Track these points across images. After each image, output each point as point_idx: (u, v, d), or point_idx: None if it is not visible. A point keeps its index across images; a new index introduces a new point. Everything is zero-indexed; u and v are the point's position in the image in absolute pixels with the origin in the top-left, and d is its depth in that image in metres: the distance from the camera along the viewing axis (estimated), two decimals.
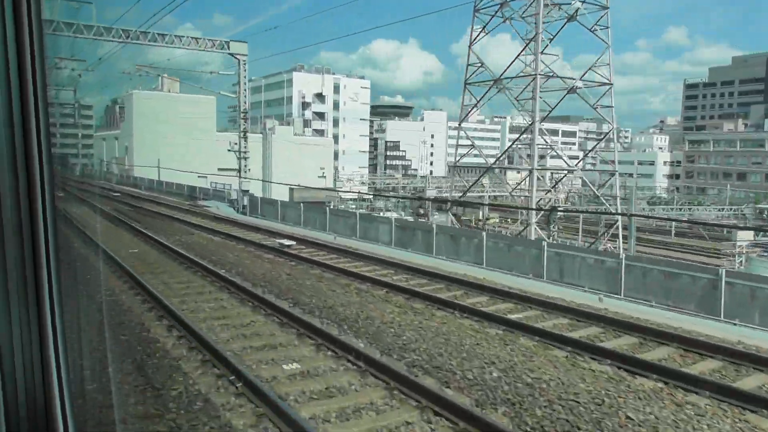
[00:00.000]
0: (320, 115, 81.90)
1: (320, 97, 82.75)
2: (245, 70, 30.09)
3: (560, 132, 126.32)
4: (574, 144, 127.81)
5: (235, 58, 29.68)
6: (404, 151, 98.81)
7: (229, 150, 31.29)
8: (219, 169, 43.57)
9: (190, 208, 27.69)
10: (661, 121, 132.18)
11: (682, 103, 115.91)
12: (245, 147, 30.91)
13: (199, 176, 38.98)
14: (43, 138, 1.12)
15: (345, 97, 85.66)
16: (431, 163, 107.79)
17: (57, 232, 1.16)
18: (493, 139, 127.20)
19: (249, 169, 30.81)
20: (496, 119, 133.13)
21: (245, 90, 30.53)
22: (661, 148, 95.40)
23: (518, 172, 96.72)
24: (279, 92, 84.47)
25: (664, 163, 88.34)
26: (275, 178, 50.77)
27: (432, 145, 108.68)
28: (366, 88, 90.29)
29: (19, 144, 1.09)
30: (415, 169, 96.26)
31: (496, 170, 45.71)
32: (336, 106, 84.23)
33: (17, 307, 1.10)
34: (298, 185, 35.46)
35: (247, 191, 29.81)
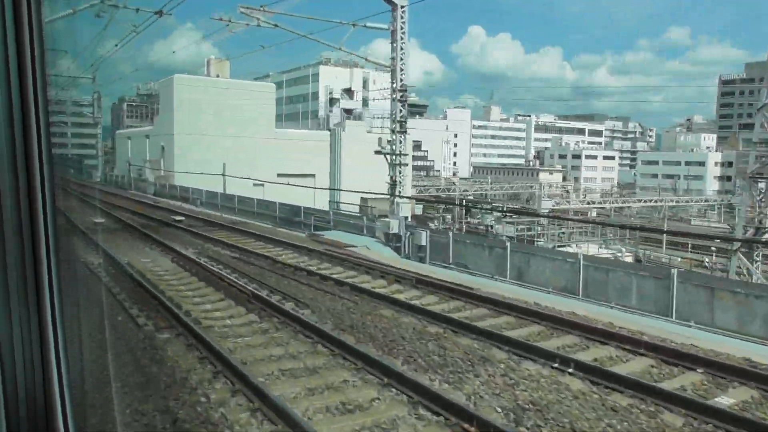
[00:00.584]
0: (348, 113, 73.81)
1: (349, 92, 76.90)
2: (404, 22, 19.29)
3: (587, 131, 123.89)
4: (600, 143, 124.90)
5: (390, 2, 19.23)
6: (426, 151, 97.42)
7: (377, 152, 20.51)
8: (278, 175, 35.42)
9: (330, 251, 15.56)
10: (688, 120, 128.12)
11: (716, 100, 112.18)
12: (403, 148, 19.87)
13: (254, 184, 31.46)
14: (43, 138, 1.13)
15: (374, 93, 77.93)
16: (454, 164, 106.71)
17: (57, 232, 1.16)
18: (518, 138, 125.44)
19: (404, 182, 19.86)
20: (520, 117, 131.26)
21: (403, 51, 19.36)
22: (708, 148, 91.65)
23: (551, 173, 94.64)
24: (303, 88, 78.40)
25: (716, 163, 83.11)
26: (344, 185, 41.72)
27: (455, 145, 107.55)
28: None
29: (19, 144, 1.10)
30: (438, 170, 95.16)
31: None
32: (365, 102, 77.35)
33: (17, 306, 1.11)
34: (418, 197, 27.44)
35: (407, 218, 20.15)
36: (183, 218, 22.90)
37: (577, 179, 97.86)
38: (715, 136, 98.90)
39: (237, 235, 19.03)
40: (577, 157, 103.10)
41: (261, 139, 43.90)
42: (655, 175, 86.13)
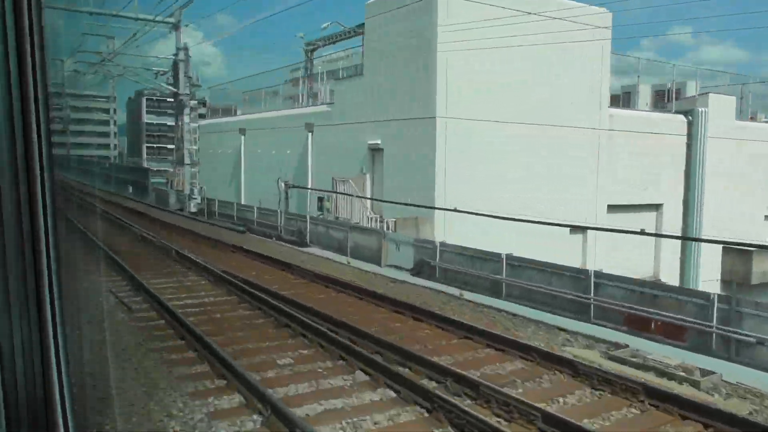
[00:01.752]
0: None
1: None
2: None
3: None
4: None
5: None
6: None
7: None
8: (609, 207, 19.83)
9: None
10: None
11: None
12: None
13: (571, 232, 16.98)
14: (44, 138, 1.13)
15: None
16: None
17: (57, 231, 1.16)
18: None
19: None
20: None
21: None
22: None
23: None
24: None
25: None
26: (706, 222, 21.50)
27: None
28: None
29: (19, 144, 1.10)
30: None
31: None
32: None
33: (17, 306, 1.11)
34: None
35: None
36: None
37: None
38: None
39: None
40: None
41: (583, 130, 19.84)
42: None
